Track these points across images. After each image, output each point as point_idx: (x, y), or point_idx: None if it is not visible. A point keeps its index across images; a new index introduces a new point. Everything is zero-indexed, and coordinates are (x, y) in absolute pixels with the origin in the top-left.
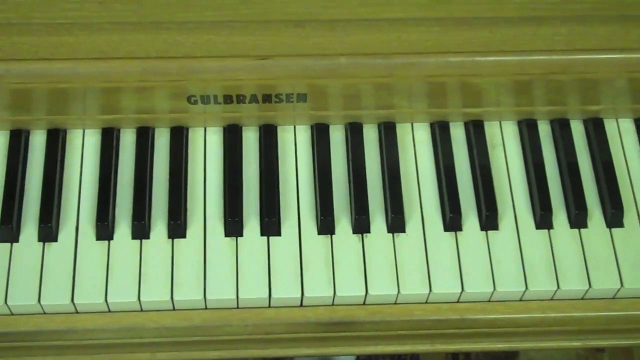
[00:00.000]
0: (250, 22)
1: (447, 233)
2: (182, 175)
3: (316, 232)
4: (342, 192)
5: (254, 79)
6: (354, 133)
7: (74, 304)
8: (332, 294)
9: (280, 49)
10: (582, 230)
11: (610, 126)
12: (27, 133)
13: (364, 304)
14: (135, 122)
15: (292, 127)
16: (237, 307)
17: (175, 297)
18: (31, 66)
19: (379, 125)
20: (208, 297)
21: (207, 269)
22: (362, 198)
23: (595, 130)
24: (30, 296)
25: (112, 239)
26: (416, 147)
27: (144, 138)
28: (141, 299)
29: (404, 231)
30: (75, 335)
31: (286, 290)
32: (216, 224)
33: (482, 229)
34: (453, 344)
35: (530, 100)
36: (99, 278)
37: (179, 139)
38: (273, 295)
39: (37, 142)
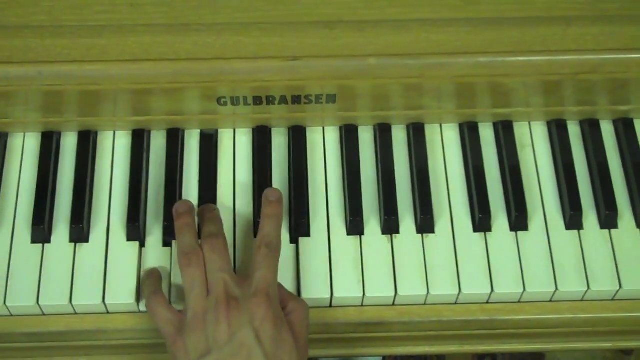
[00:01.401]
0: (280, 24)
1: (477, 234)
2: (213, 176)
3: (345, 233)
4: (371, 193)
5: (283, 80)
6: (383, 134)
7: (105, 304)
8: (361, 294)
9: (310, 50)
10: (613, 230)
11: None
12: (59, 135)
13: (393, 304)
14: (165, 123)
15: (321, 128)
16: None
17: None
18: (63, 68)
19: (408, 126)
20: None
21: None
22: (391, 199)
23: (625, 130)
24: (62, 296)
25: (143, 240)
26: (445, 147)
27: (174, 139)
28: (172, 299)
29: (433, 232)
30: (105, 336)
31: (315, 290)
32: (245, 224)
33: (511, 230)
34: (482, 345)
35: (559, 100)
36: (130, 279)
37: (208, 140)
38: (303, 295)
39: (69, 144)
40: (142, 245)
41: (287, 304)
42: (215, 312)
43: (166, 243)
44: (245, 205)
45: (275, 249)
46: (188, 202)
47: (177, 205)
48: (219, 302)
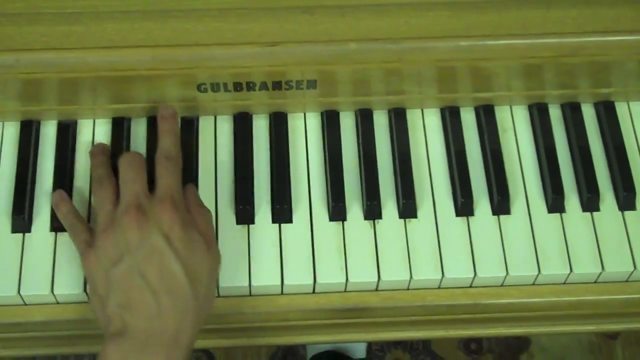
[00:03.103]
0: (259, 9)
1: (459, 218)
2: (194, 163)
3: (328, 219)
4: (353, 178)
5: (263, 66)
6: (364, 119)
7: (87, 293)
8: (344, 280)
9: (289, 36)
10: (595, 213)
11: (621, 109)
12: (38, 123)
13: (376, 290)
14: (145, 111)
15: (302, 114)
16: (250, 295)
17: None
18: (41, 56)
19: (389, 111)
20: (221, 284)
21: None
22: (373, 184)
23: (607, 113)
24: (43, 286)
25: None
26: (427, 132)
27: (155, 127)
28: None
29: (415, 217)
30: (88, 325)
31: (298, 277)
32: (227, 211)
33: (494, 214)
34: (466, 329)
35: (540, 83)
36: None
37: (189, 127)
38: (285, 282)
39: (48, 133)
40: None
41: (190, 209)
42: (125, 219)
43: None
44: (226, 193)
45: (175, 161)
46: (104, 145)
47: (92, 148)
48: (128, 210)
